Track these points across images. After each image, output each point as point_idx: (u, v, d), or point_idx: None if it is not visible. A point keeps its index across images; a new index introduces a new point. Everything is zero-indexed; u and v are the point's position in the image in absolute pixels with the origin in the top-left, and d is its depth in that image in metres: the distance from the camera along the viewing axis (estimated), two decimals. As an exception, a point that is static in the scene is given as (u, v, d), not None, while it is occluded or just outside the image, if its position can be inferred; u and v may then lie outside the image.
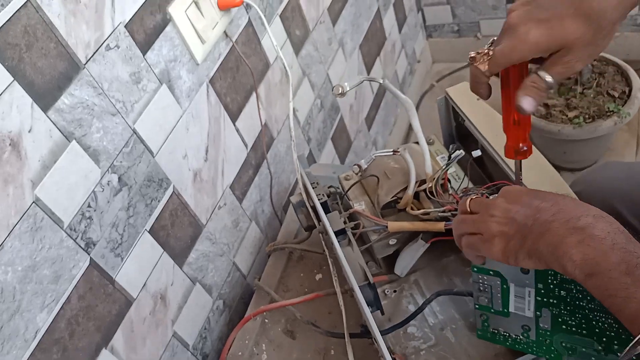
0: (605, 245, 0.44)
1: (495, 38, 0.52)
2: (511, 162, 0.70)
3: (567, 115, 1.31)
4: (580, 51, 0.48)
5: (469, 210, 0.56)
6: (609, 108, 1.29)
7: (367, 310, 0.63)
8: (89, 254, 0.64)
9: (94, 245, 0.64)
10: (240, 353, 0.77)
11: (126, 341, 0.70)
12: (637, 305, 0.42)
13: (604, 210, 0.48)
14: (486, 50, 0.52)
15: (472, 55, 0.53)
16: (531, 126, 0.55)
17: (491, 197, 0.57)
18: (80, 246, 0.62)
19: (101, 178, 0.65)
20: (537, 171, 0.70)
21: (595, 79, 1.35)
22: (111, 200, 0.67)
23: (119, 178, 0.68)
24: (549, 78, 0.49)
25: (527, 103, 0.50)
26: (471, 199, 0.57)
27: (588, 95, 1.33)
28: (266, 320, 0.81)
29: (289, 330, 0.79)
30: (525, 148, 0.55)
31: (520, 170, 0.61)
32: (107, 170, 0.66)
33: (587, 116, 1.30)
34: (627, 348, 0.43)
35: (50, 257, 0.59)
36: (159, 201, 0.74)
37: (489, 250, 0.52)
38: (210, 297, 0.86)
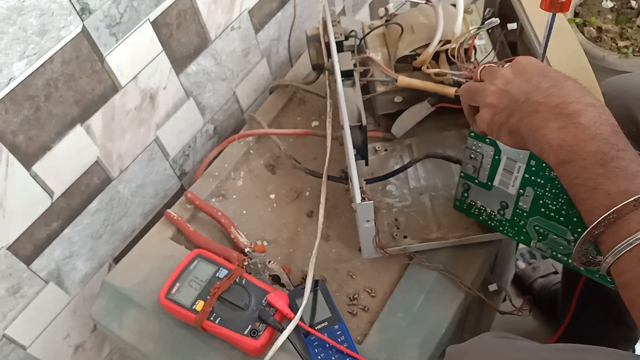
0: (587, 134, 0.42)
1: None
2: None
3: (616, 44, 1.21)
4: None
5: (479, 78, 0.54)
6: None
7: (351, 150, 0.60)
8: (82, 20, 0.60)
9: (90, 13, 0.61)
10: (217, 173, 0.76)
11: (105, 126, 0.68)
12: (601, 196, 0.40)
13: (620, 113, 0.45)
14: None
15: None
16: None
17: (505, 66, 0.53)
18: (75, 8, 0.59)
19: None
20: (570, 58, 0.65)
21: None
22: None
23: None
24: None
25: None
26: (484, 66, 0.54)
27: (646, 30, 1.22)
28: (251, 152, 0.79)
29: (270, 165, 0.78)
30: (562, 0, 0.50)
31: (549, 36, 0.56)
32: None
33: (637, 49, 1.20)
34: (580, 239, 0.42)
35: (38, 5, 0.55)
36: (168, -5, 0.70)
37: (478, 119, 0.51)
38: (202, 117, 0.84)
